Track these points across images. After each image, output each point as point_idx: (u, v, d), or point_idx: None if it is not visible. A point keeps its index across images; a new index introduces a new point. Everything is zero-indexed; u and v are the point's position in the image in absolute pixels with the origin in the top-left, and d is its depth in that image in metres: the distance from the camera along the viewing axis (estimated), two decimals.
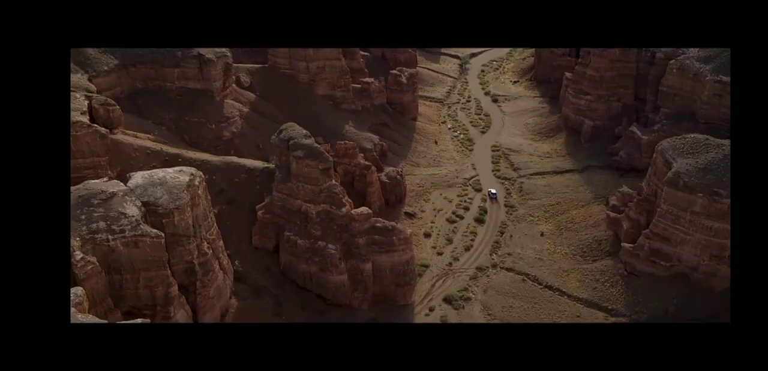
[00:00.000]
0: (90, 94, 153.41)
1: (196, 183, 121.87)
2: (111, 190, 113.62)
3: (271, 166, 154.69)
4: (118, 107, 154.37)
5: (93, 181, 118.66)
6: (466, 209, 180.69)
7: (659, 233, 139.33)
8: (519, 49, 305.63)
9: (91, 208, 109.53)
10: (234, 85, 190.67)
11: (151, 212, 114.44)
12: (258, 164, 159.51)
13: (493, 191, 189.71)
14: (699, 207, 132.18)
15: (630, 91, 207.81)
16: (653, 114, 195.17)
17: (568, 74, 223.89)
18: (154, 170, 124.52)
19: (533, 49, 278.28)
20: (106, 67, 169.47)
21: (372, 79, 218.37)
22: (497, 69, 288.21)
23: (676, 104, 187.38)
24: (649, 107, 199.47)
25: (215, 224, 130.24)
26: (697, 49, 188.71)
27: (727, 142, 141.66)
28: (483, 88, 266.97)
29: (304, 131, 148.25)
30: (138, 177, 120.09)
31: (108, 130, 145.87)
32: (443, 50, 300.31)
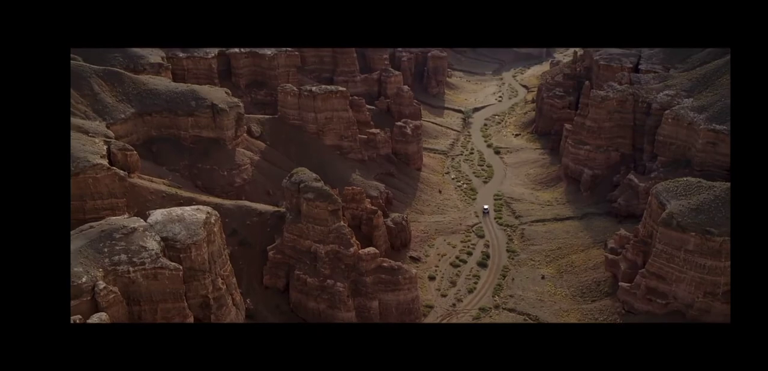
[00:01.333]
0: (108, 139, 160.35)
1: (212, 221, 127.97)
2: (132, 225, 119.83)
3: (282, 210, 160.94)
4: (135, 152, 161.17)
5: (115, 217, 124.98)
6: (470, 254, 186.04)
7: (655, 272, 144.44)
8: (520, 103, 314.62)
9: (113, 242, 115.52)
10: (245, 134, 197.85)
11: (170, 247, 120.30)
12: (269, 208, 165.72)
13: (486, 206, 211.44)
14: (692, 246, 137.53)
15: (628, 141, 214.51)
16: (650, 163, 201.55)
17: (567, 126, 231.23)
18: (172, 208, 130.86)
19: (535, 103, 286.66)
20: (123, 116, 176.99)
21: (378, 130, 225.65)
22: (499, 123, 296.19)
23: (672, 153, 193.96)
24: (647, 156, 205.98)
25: (229, 261, 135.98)
26: (691, 99, 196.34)
27: (718, 184, 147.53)
28: (485, 141, 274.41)
29: (314, 175, 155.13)
30: (157, 214, 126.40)
31: (126, 173, 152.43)
32: (446, 105, 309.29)
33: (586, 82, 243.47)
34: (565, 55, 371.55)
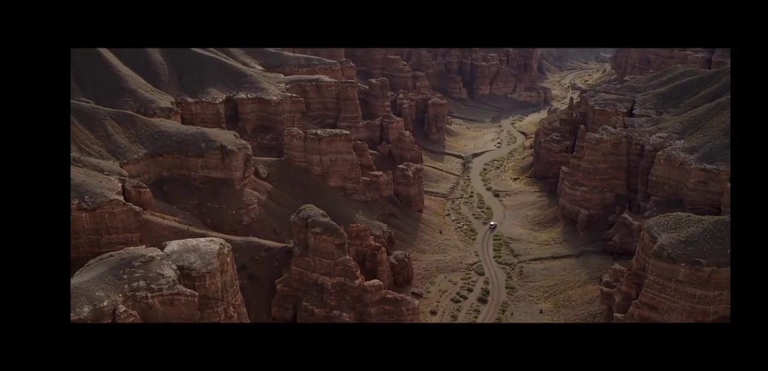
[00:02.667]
0: (123, 177, 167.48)
1: (225, 252, 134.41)
2: (150, 254, 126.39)
3: (290, 245, 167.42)
4: (148, 189, 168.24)
5: (133, 247, 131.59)
6: (470, 290, 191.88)
7: (648, 302, 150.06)
8: (519, 149, 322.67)
9: (133, 269, 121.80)
10: (253, 175, 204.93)
11: (185, 275, 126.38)
12: (277, 244, 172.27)
13: (493, 223, 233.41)
14: (682, 276, 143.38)
15: (622, 182, 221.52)
16: (644, 202, 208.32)
17: (564, 168, 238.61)
18: (187, 239, 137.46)
19: (533, 148, 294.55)
20: (135, 156, 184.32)
21: (380, 173, 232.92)
22: (498, 167, 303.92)
23: (665, 192, 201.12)
24: (641, 196, 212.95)
25: (240, 292, 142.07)
26: (682, 141, 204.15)
27: (706, 217, 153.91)
28: (485, 185, 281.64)
29: (321, 211, 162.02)
30: (173, 245, 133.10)
31: (140, 209, 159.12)
32: (447, 150, 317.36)
33: (582, 126, 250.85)
34: (562, 103, 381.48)
